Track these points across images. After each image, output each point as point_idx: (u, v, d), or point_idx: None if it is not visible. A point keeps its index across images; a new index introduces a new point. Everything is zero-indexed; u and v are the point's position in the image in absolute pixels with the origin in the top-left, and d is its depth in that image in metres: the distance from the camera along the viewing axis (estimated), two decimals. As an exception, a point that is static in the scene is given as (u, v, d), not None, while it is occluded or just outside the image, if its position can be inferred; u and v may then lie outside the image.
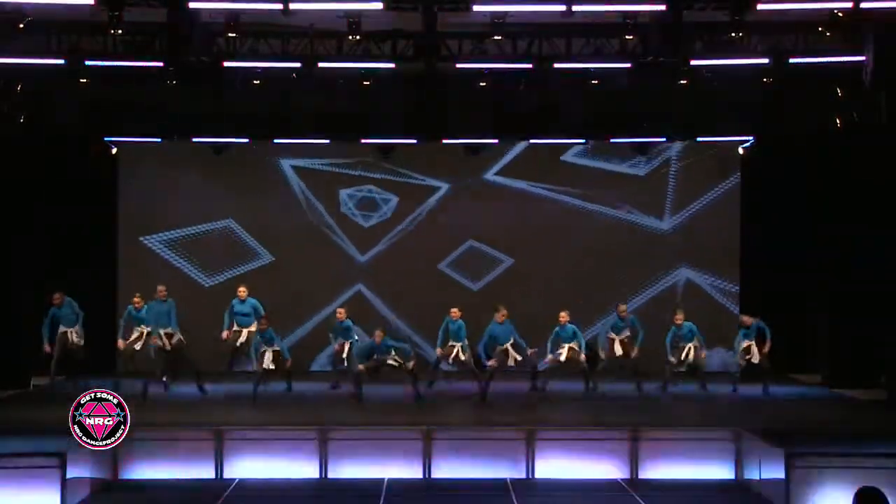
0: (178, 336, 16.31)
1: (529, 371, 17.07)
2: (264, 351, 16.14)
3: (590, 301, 19.77)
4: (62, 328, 16.58)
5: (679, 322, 16.99)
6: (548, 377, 16.93)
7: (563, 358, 16.63)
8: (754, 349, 16.66)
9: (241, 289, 17.17)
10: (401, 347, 16.42)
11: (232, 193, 20.60)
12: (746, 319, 17.03)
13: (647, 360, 17.44)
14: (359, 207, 20.72)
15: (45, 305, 18.62)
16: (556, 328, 16.89)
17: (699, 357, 16.90)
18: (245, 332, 16.77)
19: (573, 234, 20.67)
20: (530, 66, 16.48)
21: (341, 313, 17.04)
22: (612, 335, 17.50)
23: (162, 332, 16.17)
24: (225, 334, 16.82)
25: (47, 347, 16.32)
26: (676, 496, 12.90)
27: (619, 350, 17.20)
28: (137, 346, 16.75)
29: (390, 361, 16.07)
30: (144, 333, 16.59)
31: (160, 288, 16.69)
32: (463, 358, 16.49)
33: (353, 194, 20.71)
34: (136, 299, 16.89)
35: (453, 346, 16.49)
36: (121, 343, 16.89)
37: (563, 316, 16.85)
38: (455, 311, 16.68)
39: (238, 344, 16.85)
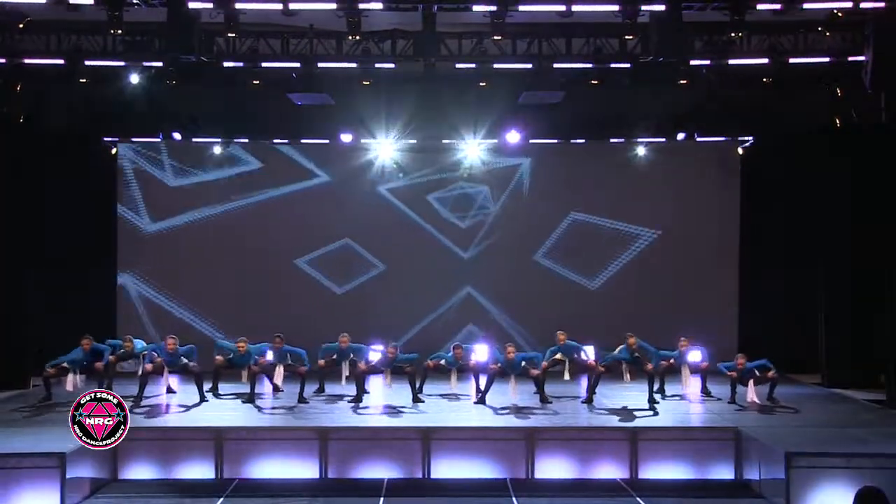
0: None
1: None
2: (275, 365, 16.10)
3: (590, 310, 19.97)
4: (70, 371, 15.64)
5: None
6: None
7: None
8: (751, 387, 15.93)
9: (170, 340, 16.26)
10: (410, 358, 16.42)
11: (228, 193, 20.61)
12: (741, 361, 15.92)
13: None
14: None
15: (44, 305, 18.69)
16: (555, 347, 16.43)
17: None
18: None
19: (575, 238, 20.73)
20: (530, 65, 16.49)
21: (345, 340, 16.67)
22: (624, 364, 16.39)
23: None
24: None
25: (50, 370, 15.65)
26: (676, 496, 12.89)
27: (628, 377, 16.31)
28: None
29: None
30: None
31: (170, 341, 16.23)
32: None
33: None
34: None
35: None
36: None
37: (561, 336, 16.40)
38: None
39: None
